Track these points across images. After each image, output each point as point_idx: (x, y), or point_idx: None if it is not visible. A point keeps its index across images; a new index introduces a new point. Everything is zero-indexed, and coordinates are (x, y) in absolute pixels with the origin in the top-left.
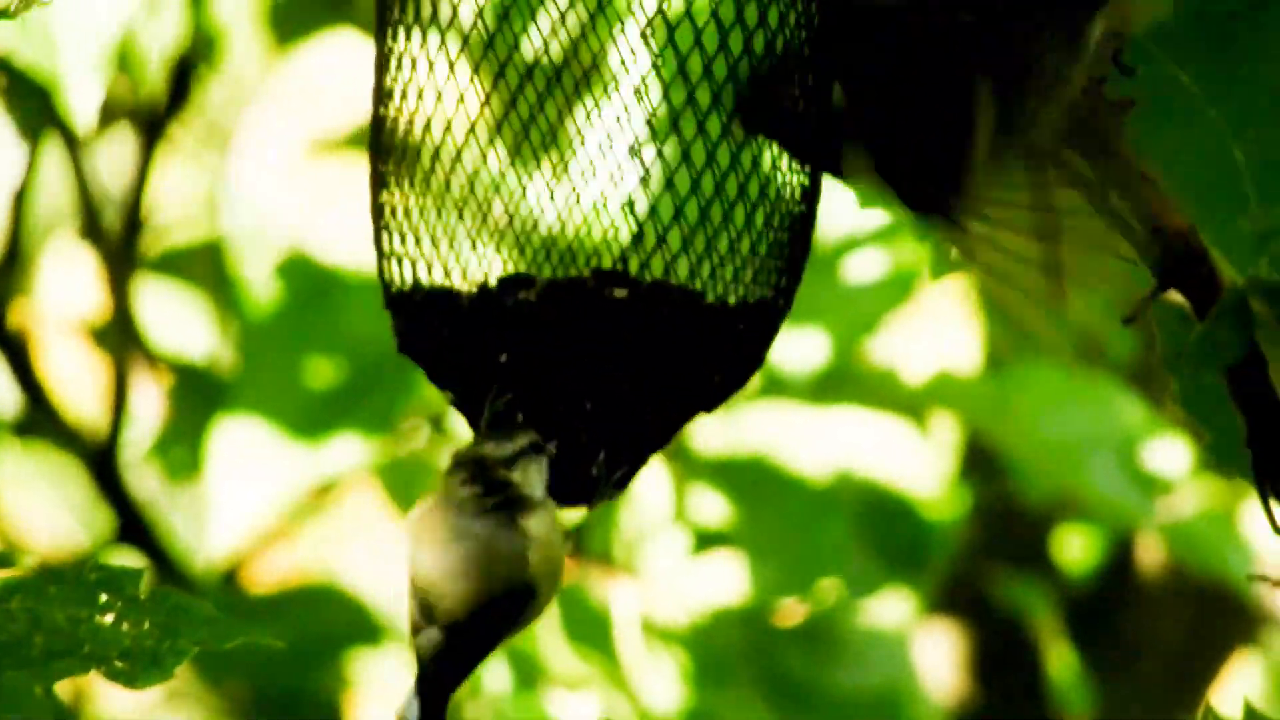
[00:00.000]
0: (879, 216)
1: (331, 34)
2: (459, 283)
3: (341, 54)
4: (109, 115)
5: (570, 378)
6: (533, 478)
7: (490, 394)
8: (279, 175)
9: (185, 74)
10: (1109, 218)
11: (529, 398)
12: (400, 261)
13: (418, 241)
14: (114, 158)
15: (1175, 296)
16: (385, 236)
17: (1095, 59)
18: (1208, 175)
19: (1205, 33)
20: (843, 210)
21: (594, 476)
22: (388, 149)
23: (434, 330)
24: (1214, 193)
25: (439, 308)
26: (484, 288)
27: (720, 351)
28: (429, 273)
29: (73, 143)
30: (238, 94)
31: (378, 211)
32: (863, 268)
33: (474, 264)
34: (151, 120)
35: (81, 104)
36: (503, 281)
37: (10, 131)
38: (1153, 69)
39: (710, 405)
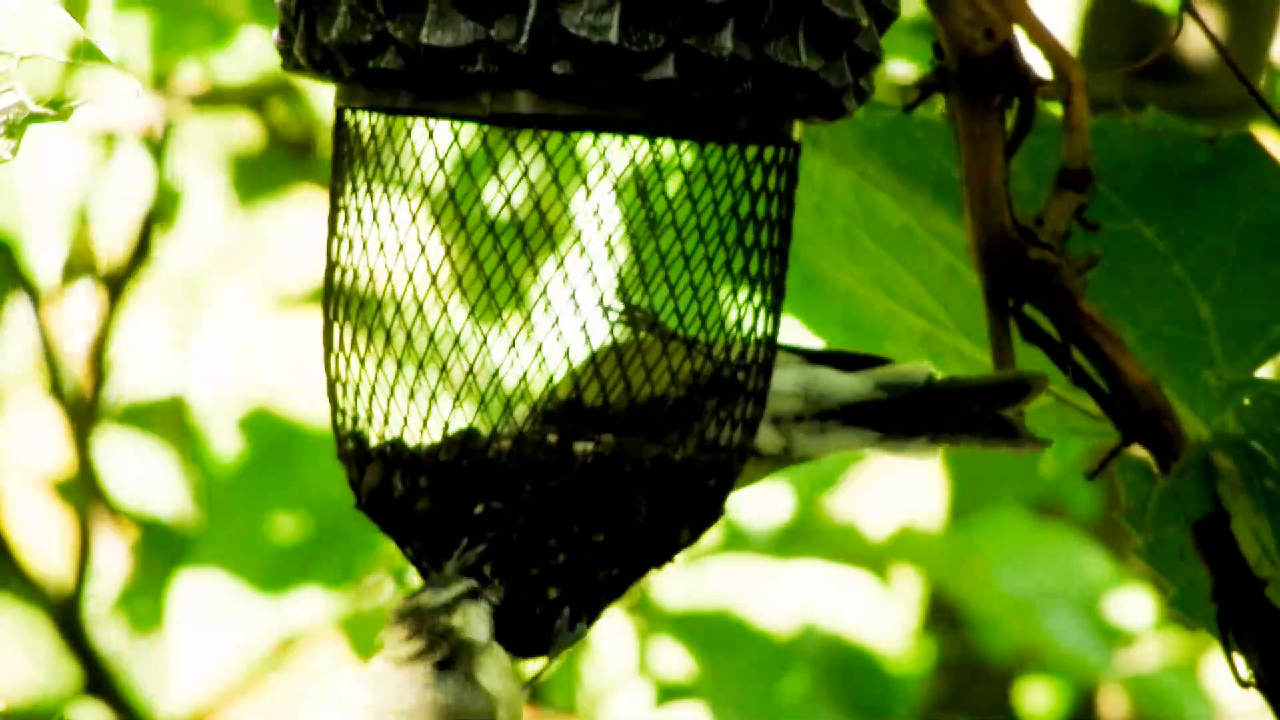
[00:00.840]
0: None
1: (294, 192)
2: (415, 438)
3: (304, 211)
4: (72, 271)
5: (540, 533)
6: (474, 621)
7: (460, 547)
8: (242, 331)
9: (148, 231)
10: (1073, 373)
11: (498, 552)
12: (355, 417)
13: (373, 396)
14: (77, 313)
15: (1139, 451)
16: (340, 392)
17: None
18: (1172, 330)
19: (1168, 188)
20: None
21: (556, 628)
22: (340, 304)
23: (403, 484)
24: (1178, 347)
25: (403, 462)
26: (451, 442)
27: (690, 507)
28: (385, 427)
29: (36, 298)
30: (201, 250)
31: (331, 367)
32: None
33: (431, 418)
34: (114, 276)
35: (44, 260)
36: (466, 436)
37: None
38: (1117, 224)
39: (673, 556)
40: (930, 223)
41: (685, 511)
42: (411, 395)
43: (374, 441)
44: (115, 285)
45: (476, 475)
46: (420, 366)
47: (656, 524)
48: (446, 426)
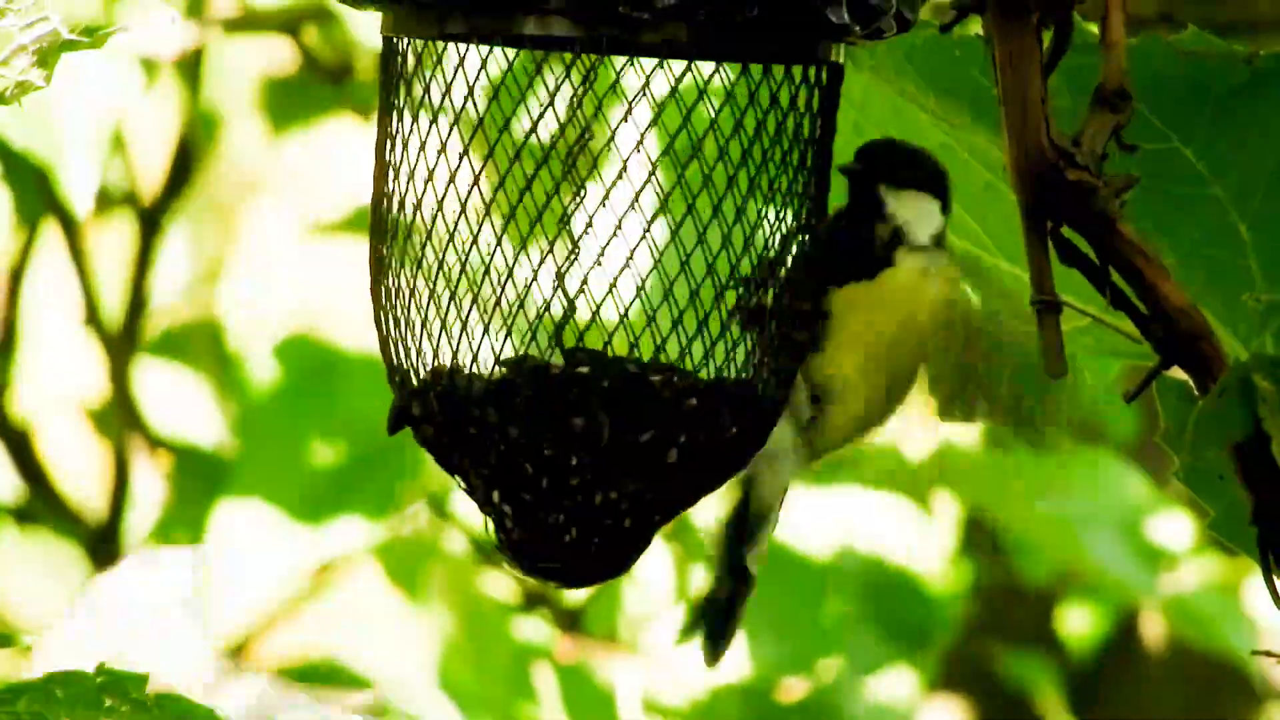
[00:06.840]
0: None
1: (329, 118)
2: (462, 366)
3: (339, 138)
4: (107, 199)
5: (545, 460)
6: None
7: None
8: (278, 257)
9: (184, 157)
10: (1111, 295)
11: (505, 478)
12: (401, 344)
13: (422, 325)
14: (113, 241)
15: (1178, 373)
16: (386, 320)
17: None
18: (1210, 250)
19: (1207, 108)
20: None
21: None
22: (388, 232)
23: (440, 411)
24: (1217, 268)
25: (441, 390)
26: (455, 369)
27: (707, 438)
28: (434, 356)
29: (71, 226)
30: (237, 177)
31: (378, 295)
32: None
33: (478, 347)
34: (151, 204)
35: (79, 187)
36: (507, 365)
37: (7, 215)
38: (1154, 143)
39: (704, 493)
40: (968, 141)
41: (702, 445)
42: (446, 324)
43: (420, 369)
44: (151, 212)
45: (474, 401)
46: (462, 294)
47: (676, 454)
48: (497, 357)
